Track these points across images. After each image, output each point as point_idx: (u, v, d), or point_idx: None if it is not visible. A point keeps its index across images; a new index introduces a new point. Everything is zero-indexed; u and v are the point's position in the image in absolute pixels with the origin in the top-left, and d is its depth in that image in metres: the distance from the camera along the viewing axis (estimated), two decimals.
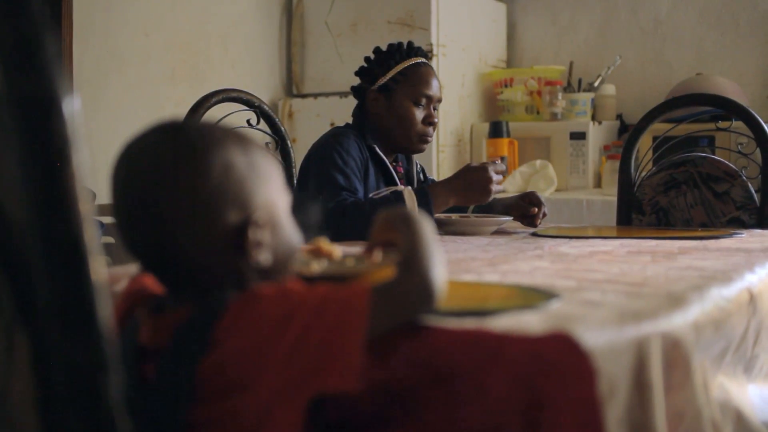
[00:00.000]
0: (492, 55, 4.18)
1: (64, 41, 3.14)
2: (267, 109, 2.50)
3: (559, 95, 3.89)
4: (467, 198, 2.10)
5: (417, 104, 2.21)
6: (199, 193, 0.93)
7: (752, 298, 1.31)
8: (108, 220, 0.98)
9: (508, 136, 3.89)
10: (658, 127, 2.85)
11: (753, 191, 2.42)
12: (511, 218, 2.19)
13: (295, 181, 2.43)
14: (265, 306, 0.91)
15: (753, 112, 2.46)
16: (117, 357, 0.71)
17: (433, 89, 2.23)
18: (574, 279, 1.30)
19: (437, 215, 2.11)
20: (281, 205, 1.00)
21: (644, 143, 2.97)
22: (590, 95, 3.92)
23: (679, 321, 1.05)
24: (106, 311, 0.70)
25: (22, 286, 0.70)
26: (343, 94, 3.86)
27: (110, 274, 1.17)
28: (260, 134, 2.47)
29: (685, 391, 1.03)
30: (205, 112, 2.32)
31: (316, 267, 1.17)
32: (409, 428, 0.92)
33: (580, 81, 4.00)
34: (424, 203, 2.03)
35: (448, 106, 3.77)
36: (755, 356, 1.33)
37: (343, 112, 3.61)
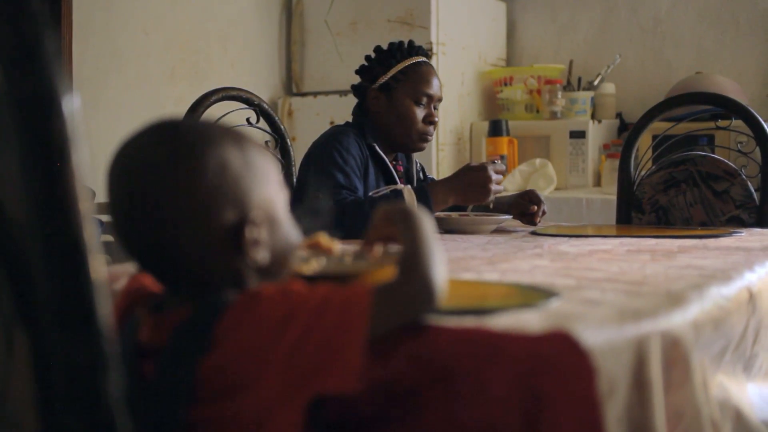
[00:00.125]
0: (492, 54, 4.18)
1: (64, 40, 3.14)
2: (266, 107, 2.50)
3: (559, 94, 3.89)
4: (466, 197, 2.10)
5: (418, 103, 2.21)
6: (195, 192, 0.92)
7: (752, 297, 1.31)
8: (107, 218, 0.98)
9: (508, 134, 3.89)
10: (658, 126, 2.85)
11: (752, 190, 2.42)
12: (511, 217, 2.19)
13: (295, 180, 2.43)
14: (265, 306, 0.91)
15: (753, 111, 2.46)
16: (116, 355, 0.71)
17: (434, 88, 2.23)
18: (573, 278, 1.30)
19: (437, 214, 2.11)
20: (279, 202, 1.00)
21: (644, 142, 2.97)
22: (590, 94, 3.92)
23: (678, 320, 1.05)
24: (105, 310, 0.70)
25: (21, 285, 0.70)
26: (342, 93, 3.86)
27: (110, 273, 1.17)
28: (260, 133, 2.47)
29: (684, 390, 1.03)
30: (204, 111, 2.33)
31: (316, 265, 1.17)
32: (408, 427, 0.92)
33: (579, 80, 4.00)
34: (424, 202, 2.04)
35: (447, 105, 3.76)
36: (754, 355, 1.33)
37: (342, 110, 3.60)
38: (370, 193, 2.10)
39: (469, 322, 0.94)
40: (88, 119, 3.19)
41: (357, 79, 2.31)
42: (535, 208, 2.20)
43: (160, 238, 0.93)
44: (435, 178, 2.50)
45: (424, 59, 2.26)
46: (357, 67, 2.31)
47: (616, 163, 2.79)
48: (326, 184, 2.06)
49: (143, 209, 0.93)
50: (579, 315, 0.99)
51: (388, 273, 1.05)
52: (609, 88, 3.97)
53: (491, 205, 2.23)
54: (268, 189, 0.98)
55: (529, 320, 0.94)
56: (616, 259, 1.55)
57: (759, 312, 1.33)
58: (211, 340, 0.90)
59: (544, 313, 0.99)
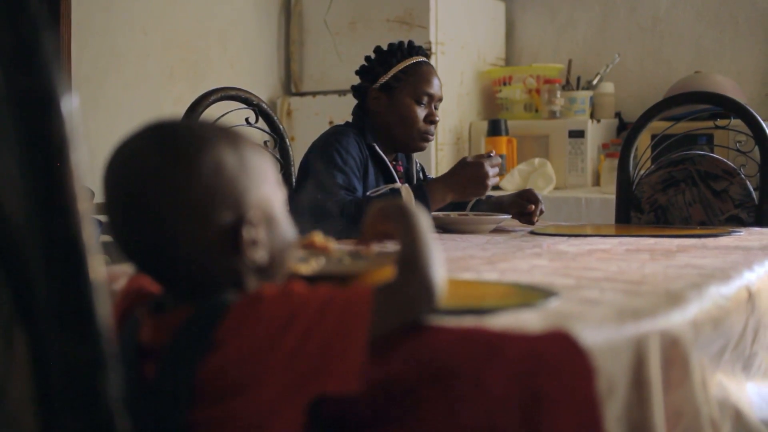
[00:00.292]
0: (491, 53, 4.18)
1: (63, 40, 3.14)
2: (265, 107, 2.50)
3: (558, 93, 3.89)
4: (464, 193, 2.12)
5: (418, 102, 2.22)
6: (191, 194, 0.92)
7: (751, 296, 1.32)
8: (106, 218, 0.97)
9: (507, 134, 3.89)
10: (657, 125, 2.85)
11: (751, 189, 2.42)
12: (510, 216, 2.19)
13: (294, 180, 2.43)
14: (266, 307, 0.91)
15: (751, 110, 2.46)
16: (115, 355, 0.71)
17: (435, 88, 2.24)
18: (572, 277, 1.30)
19: (436, 214, 2.11)
20: (276, 202, 1.00)
21: (643, 141, 2.97)
22: (589, 93, 3.92)
23: (677, 319, 1.05)
24: (104, 309, 0.70)
25: (20, 285, 0.70)
26: (341, 93, 3.86)
27: (109, 273, 1.17)
28: (259, 132, 2.47)
29: (683, 389, 1.03)
30: (203, 111, 2.33)
31: (315, 265, 1.17)
32: (408, 427, 0.92)
33: (578, 79, 4.00)
34: (422, 200, 2.04)
35: (446, 104, 3.76)
36: (754, 354, 1.33)
37: (341, 110, 3.60)
38: (368, 192, 2.11)
39: (468, 321, 0.94)
40: (86, 119, 3.18)
41: (356, 79, 2.31)
42: (533, 207, 2.20)
43: (157, 241, 0.93)
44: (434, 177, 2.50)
45: (424, 59, 2.26)
46: (356, 67, 2.31)
47: (615, 162, 2.80)
48: (325, 184, 2.06)
49: (140, 213, 0.93)
50: (578, 314, 0.99)
51: (386, 273, 1.05)
52: (608, 87, 3.97)
53: (484, 197, 2.24)
54: (265, 188, 0.98)
55: (529, 320, 0.94)
56: (615, 258, 1.55)
57: (758, 311, 1.33)
58: (212, 341, 0.90)
59: (544, 313, 0.99)
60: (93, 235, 0.70)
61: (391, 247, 1.10)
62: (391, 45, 2.26)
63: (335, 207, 2.00)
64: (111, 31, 3.41)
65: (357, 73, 2.30)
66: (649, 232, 2.07)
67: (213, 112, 2.29)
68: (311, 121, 3.89)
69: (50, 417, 0.70)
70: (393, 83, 2.22)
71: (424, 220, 1.01)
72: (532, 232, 2.08)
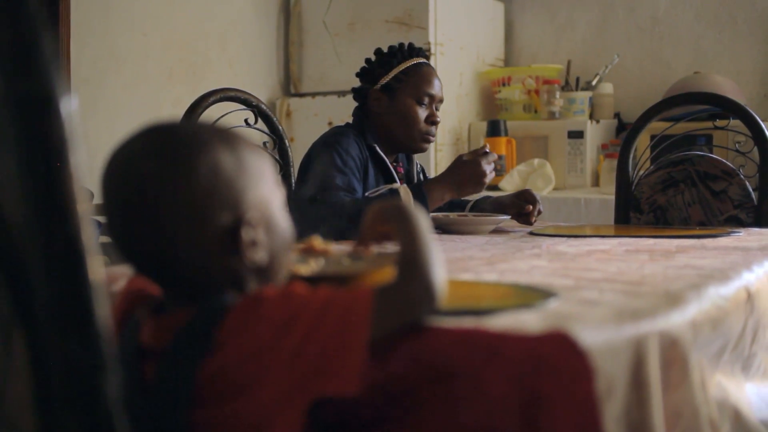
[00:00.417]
0: (490, 54, 4.18)
1: (62, 41, 3.14)
2: (265, 108, 2.50)
3: (557, 94, 3.89)
4: (462, 191, 2.14)
5: (420, 103, 2.22)
6: (188, 196, 0.92)
7: (750, 297, 1.32)
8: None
9: (506, 134, 3.89)
10: (656, 126, 2.85)
11: (750, 190, 2.42)
12: (509, 217, 2.20)
13: (294, 181, 2.43)
14: (267, 309, 0.91)
15: (751, 111, 2.47)
16: (115, 357, 0.71)
17: (435, 88, 2.25)
18: (571, 278, 1.30)
19: (436, 215, 2.12)
20: (275, 202, 1.00)
21: (642, 142, 2.97)
22: (588, 94, 3.92)
23: (676, 320, 1.05)
24: (103, 311, 0.70)
25: (19, 286, 0.70)
26: (341, 93, 3.86)
27: (108, 274, 1.17)
28: (258, 133, 2.47)
29: (682, 390, 1.03)
30: (202, 112, 2.33)
31: (314, 266, 1.17)
32: (407, 428, 0.92)
33: (578, 80, 4.00)
34: (420, 200, 2.05)
35: (445, 105, 3.75)
36: (753, 354, 1.33)
37: (341, 111, 3.61)
38: (367, 193, 2.11)
39: (467, 322, 0.94)
40: (86, 120, 3.18)
41: (355, 79, 2.32)
42: (531, 207, 2.21)
43: (157, 244, 0.93)
44: None
45: (425, 60, 2.27)
46: (355, 68, 2.31)
47: (615, 163, 2.80)
48: (325, 185, 2.06)
49: (138, 216, 0.93)
50: (577, 315, 0.99)
51: (386, 273, 1.05)
52: (607, 88, 3.98)
53: (479, 195, 2.26)
54: (264, 189, 0.98)
55: (528, 321, 0.94)
56: (615, 259, 1.55)
57: (757, 311, 1.33)
58: (213, 342, 0.90)
59: (543, 314, 0.99)
60: (92, 236, 0.70)
61: (391, 248, 1.11)
62: (391, 47, 2.27)
63: (334, 208, 2.00)
64: (110, 32, 3.41)
65: (357, 75, 2.30)
66: (649, 232, 2.08)
67: (212, 113, 2.29)
68: (310, 121, 3.89)
69: (49, 419, 0.70)
70: (394, 84, 2.22)
71: (423, 221, 1.01)
72: (532, 233, 2.08)
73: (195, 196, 0.92)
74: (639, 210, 2.57)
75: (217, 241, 0.94)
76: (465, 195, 2.17)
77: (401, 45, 2.27)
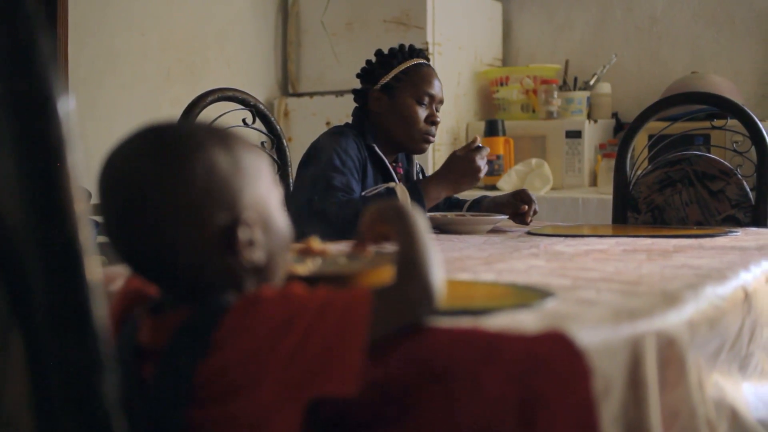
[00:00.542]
0: (488, 54, 4.18)
1: (60, 41, 3.14)
2: (263, 108, 2.50)
3: (555, 94, 3.89)
4: (458, 187, 2.16)
5: (420, 103, 2.23)
6: (185, 196, 0.92)
7: (747, 297, 1.32)
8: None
9: (504, 134, 3.89)
10: (654, 126, 2.85)
11: (748, 189, 2.42)
12: (507, 217, 2.20)
13: (292, 181, 2.43)
14: (265, 309, 0.91)
15: (748, 111, 2.47)
16: (112, 357, 0.71)
17: (435, 88, 2.25)
18: (569, 277, 1.31)
19: (433, 215, 2.12)
20: (272, 201, 1.00)
21: (640, 142, 2.97)
22: (586, 94, 3.92)
23: (674, 319, 1.05)
24: (101, 311, 0.70)
25: (17, 286, 0.70)
26: (338, 93, 3.86)
27: (106, 274, 1.17)
28: (256, 133, 2.47)
29: (679, 390, 1.03)
30: (200, 112, 2.33)
31: (311, 265, 1.17)
32: (405, 427, 0.92)
33: (575, 79, 4.00)
34: (417, 199, 2.05)
35: (444, 105, 3.76)
36: (750, 354, 1.33)
37: (339, 111, 3.61)
38: (364, 192, 2.11)
39: (465, 322, 0.94)
40: (83, 120, 3.18)
41: (353, 79, 2.32)
42: (526, 207, 2.21)
43: (154, 244, 0.93)
44: None
45: (424, 61, 2.28)
46: (353, 68, 2.32)
47: (612, 162, 2.80)
48: (323, 185, 2.06)
49: (135, 217, 0.92)
50: (574, 315, 0.99)
51: (384, 274, 1.05)
52: (605, 87, 3.98)
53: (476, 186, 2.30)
54: (260, 188, 0.98)
55: (525, 320, 0.94)
56: (612, 258, 1.55)
57: (754, 311, 1.33)
58: (211, 342, 0.90)
59: (540, 314, 0.99)
60: (90, 236, 0.70)
61: (389, 248, 1.11)
62: (392, 48, 2.27)
63: (332, 208, 2.00)
64: (108, 32, 3.41)
65: (358, 75, 2.31)
66: (646, 232, 2.08)
67: (210, 113, 2.29)
68: (308, 121, 3.89)
69: (47, 419, 0.70)
70: (394, 84, 2.23)
71: (421, 221, 1.01)
72: (529, 233, 2.08)
73: (192, 196, 0.92)
74: (636, 210, 2.57)
75: (215, 241, 0.94)
76: (461, 191, 2.18)
77: (401, 46, 2.28)
